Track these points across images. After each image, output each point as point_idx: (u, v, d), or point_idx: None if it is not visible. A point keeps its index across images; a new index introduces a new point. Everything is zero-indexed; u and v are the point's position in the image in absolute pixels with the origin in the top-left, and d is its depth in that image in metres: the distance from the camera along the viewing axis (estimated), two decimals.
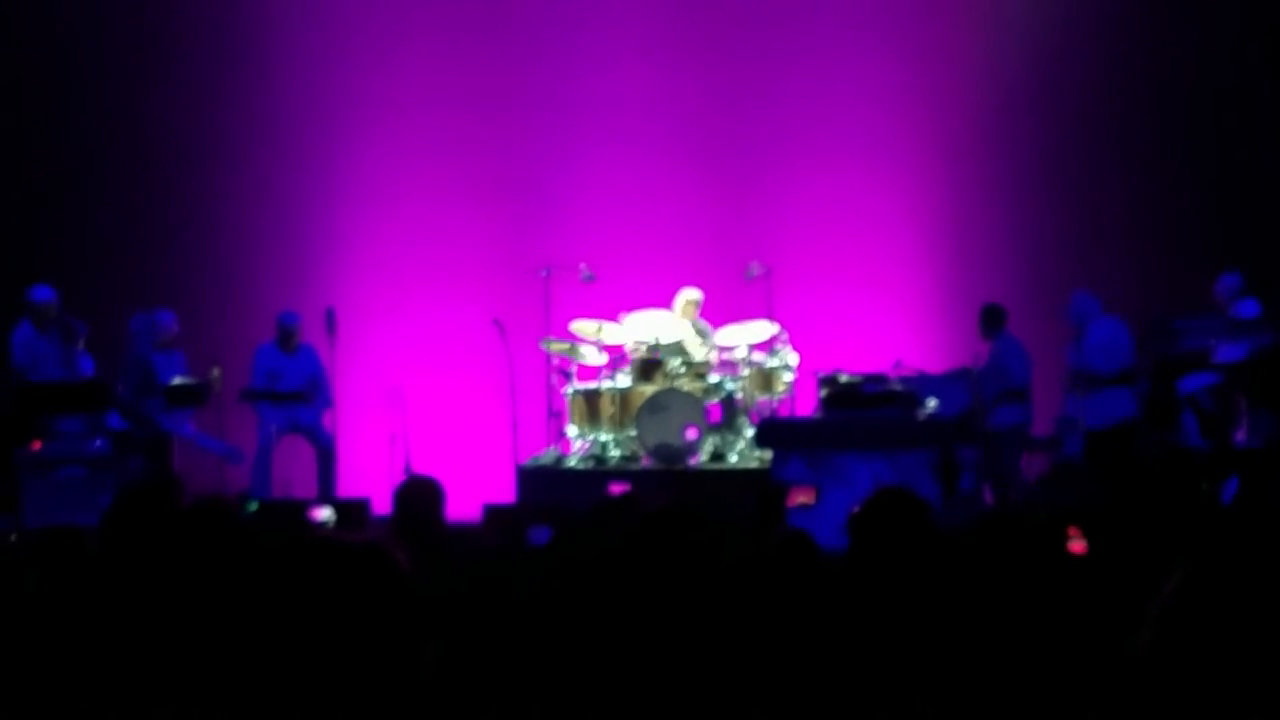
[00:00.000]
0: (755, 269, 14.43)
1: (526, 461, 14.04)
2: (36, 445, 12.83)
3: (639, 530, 3.84)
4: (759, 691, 3.66)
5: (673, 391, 13.57)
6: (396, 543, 2.76)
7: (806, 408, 14.18)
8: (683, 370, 13.86)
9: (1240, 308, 13.36)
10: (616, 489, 8.51)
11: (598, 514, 7.48)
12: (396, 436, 14.45)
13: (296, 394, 13.98)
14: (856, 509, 4.51)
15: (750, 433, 13.59)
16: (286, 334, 14.11)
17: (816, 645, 3.94)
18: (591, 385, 13.88)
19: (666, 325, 14.23)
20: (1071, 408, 13.59)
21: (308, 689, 2.56)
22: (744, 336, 14.18)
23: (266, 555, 2.65)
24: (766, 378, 13.99)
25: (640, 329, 14.20)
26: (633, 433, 13.57)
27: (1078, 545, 5.67)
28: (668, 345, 14.09)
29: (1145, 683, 2.63)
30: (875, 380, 12.82)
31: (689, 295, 14.46)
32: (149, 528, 4.29)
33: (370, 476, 14.35)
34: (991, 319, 13.75)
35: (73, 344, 13.63)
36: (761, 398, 14.02)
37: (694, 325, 14.43)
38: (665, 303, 14.50)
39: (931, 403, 12.54)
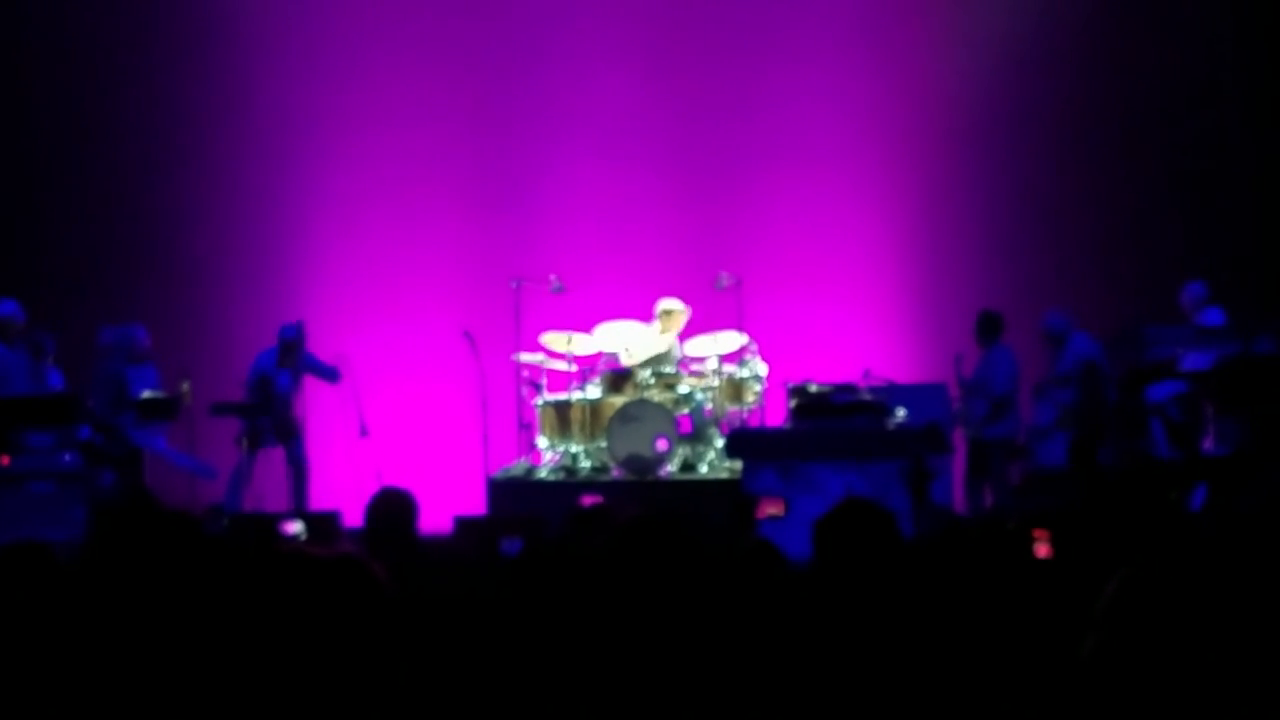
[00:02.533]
0: (725, 279, 14.45)
1: (497, 473, 14.04)
2: (5, 460, 12.78)
3: (617, 539, 3.86)
4: (726, 700, 3.68)
5: (643, 402, 13.59)
6: (369, 555, 2.77)
7: (776, 418, 14.20)
8: (653, 381, 13.90)
9: (1206, 316, 13.44)
10: (588, 501, 8.53)
11: (571, 525, 7.49)
12: (367, 442, 14.42)
13: (259, 407, 13.90)
14: (820, 518, 4.53)
15: (720, 443, 13.61)
16: (286, 348, 14.00)
17: (780, 653, 3.97)
18: (562, 397, 13.89)
19: (638, 336, 14.26)
20: (1041, 417, 13.64)
21: (287, 702, 2.57)
22: (714, 347, 14.20)
23: (244, 569, 2.66)
24: (736, 388, 14.02)
25: (612, 340, 14.23)
26: (603, 444, 13.58)
27: (1043, 549, 5.71)
28: (642, 357, 14.14)
29: (1093, 685, 2.67)
30: (845, 390, 12.85)
31: (665, 305, 14.45)
32: (131, 544, 4.29)
33: (341, 489, 14.33)
34: (989, 326, 13.70)
35: (42, 358, 13.59)
36: (731, 408, 14.05)
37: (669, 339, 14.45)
38: (635, 313, 14.52)
39: (901, 412, 12.57)
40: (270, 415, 13.92)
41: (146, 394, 13.63)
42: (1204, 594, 2.66)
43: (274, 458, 14.15)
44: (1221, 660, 2.62)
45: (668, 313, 14.38)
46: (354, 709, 2.61)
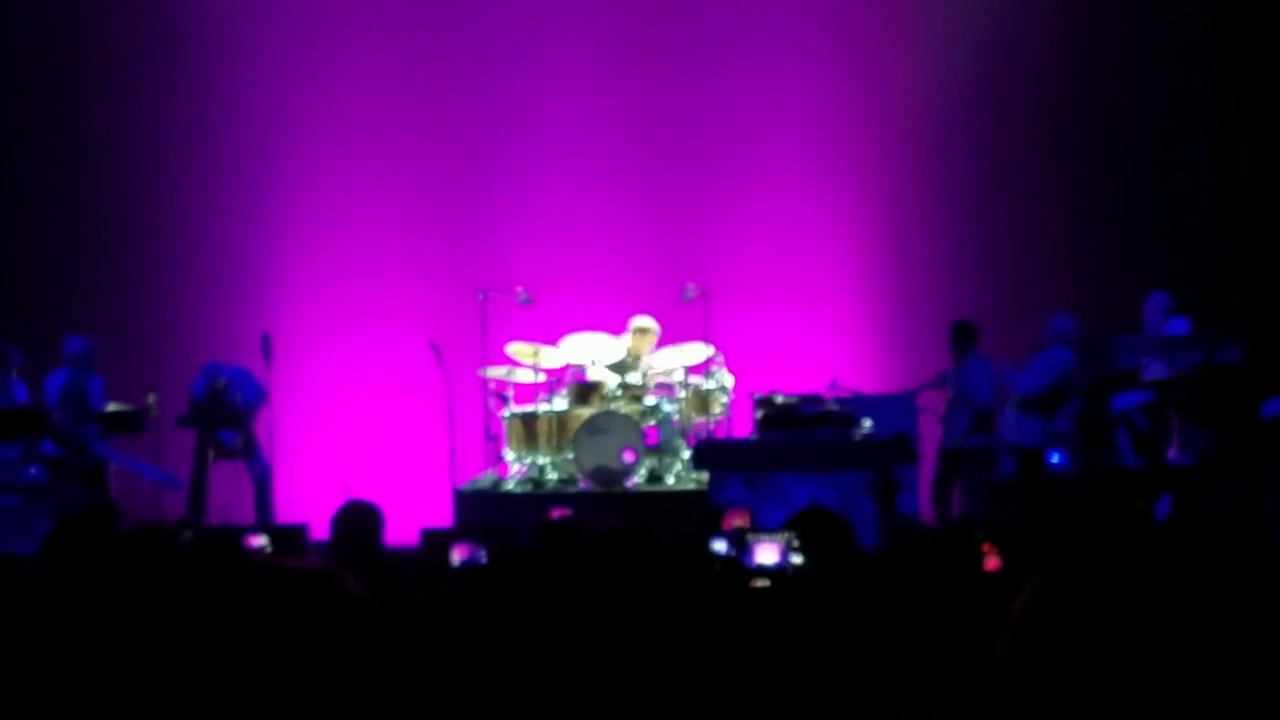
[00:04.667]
0: (691, 291, 14.46)
1: (464, 485, 14.03)
2: None
3: (588, 550, 3.88)
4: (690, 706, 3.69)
5: (610, 414, 13.60)
6: (339, 568, 2.77)
7: (743, 429, 14.23)
8: (620, 393, 13.91)
9: (1170, 326, 13.48)
10: (558, 514, 8.53)
11: (540, 537, 7.50)
12: (334, 455, 14.40)
13: (232, 416, 13.89)
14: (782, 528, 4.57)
15: (687, 454, 13.62)
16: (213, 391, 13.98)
17: (741, 660, 3.98)
18: (529, 408, 13.89)
19: (605, 348, 14.27)
20: (1002, 428, 13.65)
21: (259, 716, 2.57)
22: (680, 359, 14.21)
23: (214, 582, 2.65)
24: (703, 399, 14.03)
25: (578, 352, 14.24)
26: (570, 456, 13.59)
27: (993, 562, 5.76)
28: (606, 366, 14.16)
29: (1006, 685, 2.69)
30: (811, 401, 12.88)
31: (639, 323, 14.46)
32: (90, 556, 4.28)
33: (308, 501, 14.30)
34: (962, 337, 13.69)
35: (6, 371, 13.55)
36: (698, 419, 14.07)
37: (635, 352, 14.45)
38: (602, 325, 14.53)
39: (867, 423, 12.60)
40: (236, 428, 13.90)
41: (112, 406, 13.59)
42: (1149, 600, 2.68)
43: (240, 470, 14.14)
44: (1167, 667, 2.64)
45: (642, 330, 14.39)
46: None
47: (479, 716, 3.86)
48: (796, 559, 6.91)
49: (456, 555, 7.82)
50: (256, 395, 14.07)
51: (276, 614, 2.61)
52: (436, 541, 10.60)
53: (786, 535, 7.27)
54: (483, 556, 7.76)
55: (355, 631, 2.67)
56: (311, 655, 2.60)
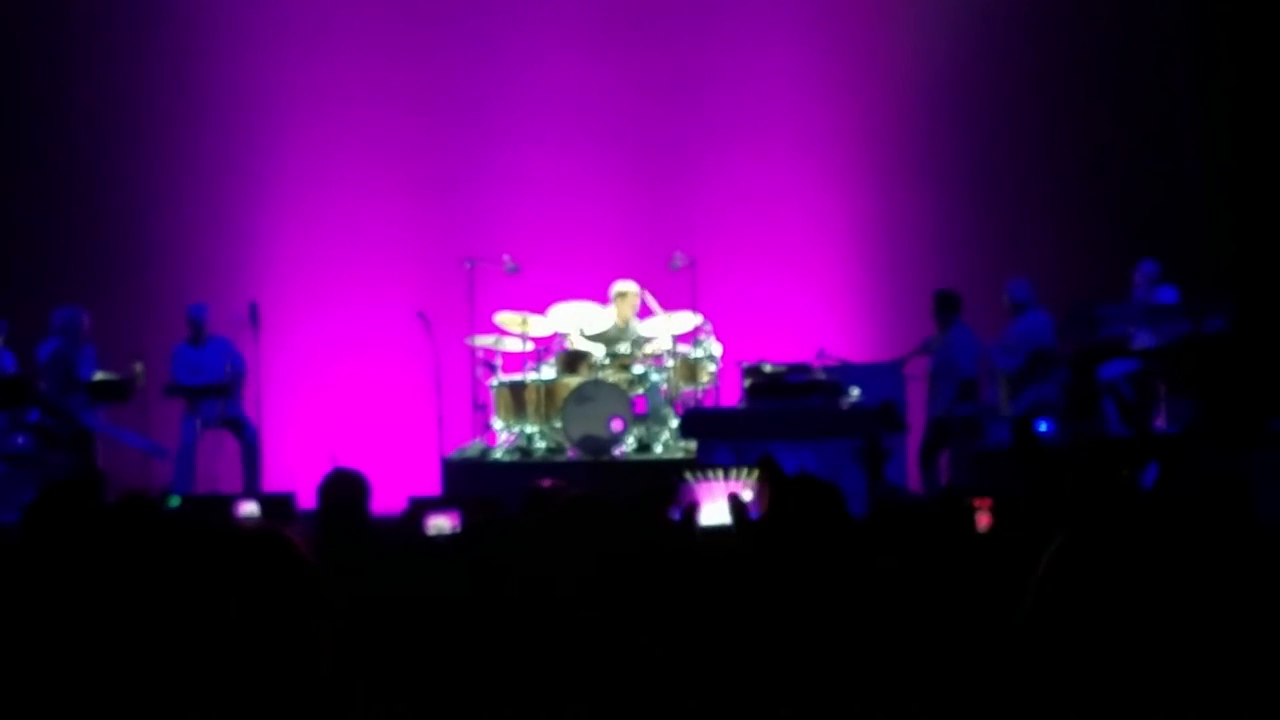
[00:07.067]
0: (679, 260, 14.45)
1: (452, 454, 14.04)
2: None
3: (551, 519, 3.88)
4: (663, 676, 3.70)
5: (598, 383, 13.60)
6: (322, 536, 2.78)
7: (731, 398, 14.24)
8: (608, 362, 13.91)
9: (1159, 294, 13.50)
10: (548, 482, 8.53)
11: (527, 505, 7.51)
12: (322, 424, 14.39)
13: (217, 387, 13.89)
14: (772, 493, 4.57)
15: (675, 423, 13.63)
16: (194, 327, 14.01)
17: (717, 628, 3.99)
18: (517, 377, 13.89)
19: (593, 316, 14.28)
20: (991, 396, 13.68)
21: (212, 675, 2.58)
22: (668, 327, 14.21)
23: (174, 550, 2.67)
24: (691, 368, 14.03)
25: (566, 320, 14.25)
26: (558, 425, 13.59)
27: (984, 519, 5.79)
28: (594, 335, 14.16)
29: (1028, 649, 2.70)
30: (799, 370, 12.89)
31: (618, 288, 14.45)
32: (72, 523, 4.28)
33: (296, 470, 14.31)
34: (945, 306, 13.69)
35: None
36: (686, 388, 14.07)
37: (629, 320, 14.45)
38: (590, 293, 14.54)
39: (854, 391, 12.61)
40: (224, 398, 13.91)
41: (99, 375, 13.57)
42: (1144, 564, 2.69)
43: (228, 437, 14.14)
44: (1158, 628, 2.65)
45: (621, 295, 14.39)
46: (279, 678, 2.62)
47: (450, 672, 3.87)
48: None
49: (447, 523, 7.84)
50: (239, 365, 14.07)
51: (224, 573, 2.63)
52: (423, 510, 10.64)
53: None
54: (459, 524, 7.79)
55: (304, 586, 2.68)
56: (261, 610, 2.62)
